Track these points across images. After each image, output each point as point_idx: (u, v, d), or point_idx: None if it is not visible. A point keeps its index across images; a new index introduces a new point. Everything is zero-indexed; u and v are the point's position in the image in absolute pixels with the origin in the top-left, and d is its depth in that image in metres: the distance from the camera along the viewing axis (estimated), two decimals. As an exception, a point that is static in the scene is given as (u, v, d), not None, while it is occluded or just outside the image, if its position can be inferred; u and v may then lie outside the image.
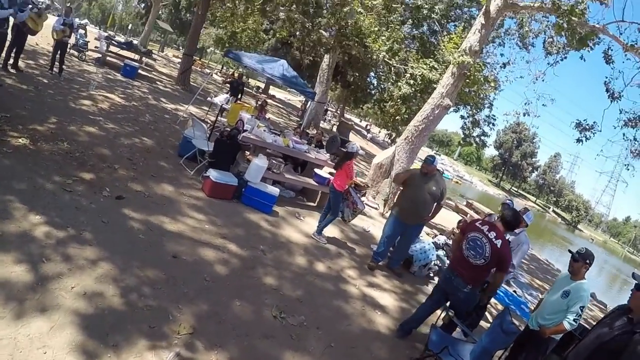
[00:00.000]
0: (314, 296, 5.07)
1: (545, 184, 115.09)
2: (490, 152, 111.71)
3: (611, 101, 12.56)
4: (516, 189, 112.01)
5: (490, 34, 16.85)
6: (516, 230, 5.46)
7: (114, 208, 5.05)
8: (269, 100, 26.97)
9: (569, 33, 10.15)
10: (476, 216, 17.84)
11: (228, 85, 17.48)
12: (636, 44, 10.51)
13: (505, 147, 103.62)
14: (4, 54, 9.40)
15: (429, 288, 7.07)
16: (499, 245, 4.42)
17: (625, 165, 13.59)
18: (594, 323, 4.44)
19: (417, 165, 11.51)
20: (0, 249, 3.54)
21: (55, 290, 3.33)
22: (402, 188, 6.82)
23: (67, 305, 3.23)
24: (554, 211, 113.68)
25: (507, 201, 7.02)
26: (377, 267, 6.81)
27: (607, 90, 12.59)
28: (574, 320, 4.26)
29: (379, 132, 45.90)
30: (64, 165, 5.68)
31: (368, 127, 53.64)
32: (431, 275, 7.77)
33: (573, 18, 9.33)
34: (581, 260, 4.41)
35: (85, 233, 4.25)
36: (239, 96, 16.76)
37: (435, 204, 6.65)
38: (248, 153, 8.47)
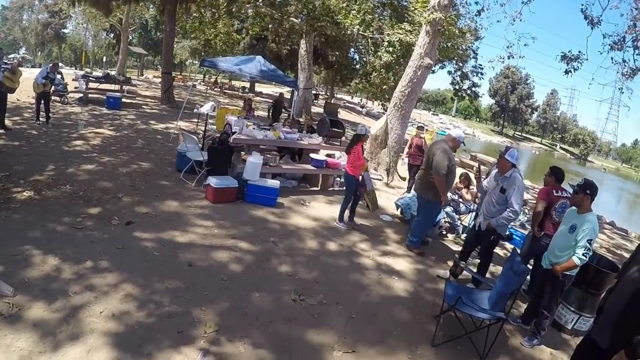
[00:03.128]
0: (330, 274, 5.30)
1: (548, 123, 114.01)
2: (487, 101, 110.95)
3: (592, 28, 12.55)
4: (520, 134, 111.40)
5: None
6: (506, 174, 5.51)
7: (125, 234, 5.30)
8: (255, 98, 27.03)
9: None
10: (483, 168, 17.91)
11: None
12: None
13: (500, 94, 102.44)
14: None
15: (444, 243, 7.38)
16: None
17: (619, 89, 13.52)
18: (619, 254, 4.35)
19: (412, 130, 11.68)
20: (29, 293, 3.78)
21: (86, 318, 3.59)
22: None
23: (99, 329, 3.49)
24: (561, 148, 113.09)
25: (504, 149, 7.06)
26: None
27: (585, 18, 12.53)
28: (583, 254, 4.34)
29: (373, 104, 45.78)
30: (71, 206, 5.92)
31: (362, 104, 53.61)
32: (444, 232, 7.99)
33: None
34: (581, 192, 4.49)
35: (102, 262, 4.50)
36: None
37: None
38: (243, 153, 8.68)
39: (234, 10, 21.29)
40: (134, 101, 18.24)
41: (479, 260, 6.19)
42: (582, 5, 12.55)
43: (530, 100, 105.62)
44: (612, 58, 12.84)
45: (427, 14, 10.59)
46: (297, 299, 4.52)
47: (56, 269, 4.26)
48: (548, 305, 4.78)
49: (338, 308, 4.54)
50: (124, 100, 16.79)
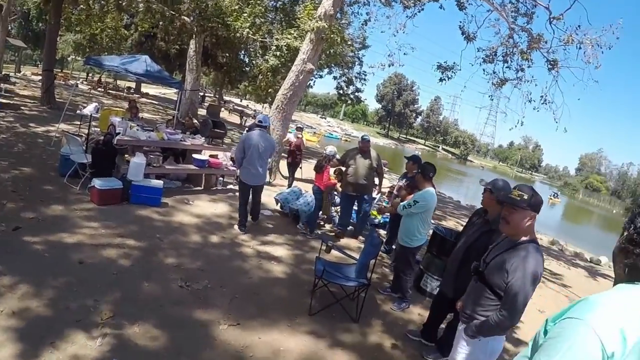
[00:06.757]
0: (213, 263, 5.84)
1: (431, 126, 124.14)
2: (374, 105, 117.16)
3: (467, 42, 13.90)
4: (404, 136, 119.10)
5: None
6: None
7: (14, 239, 5.35)
8: (141, 99, 26.28)
9: None
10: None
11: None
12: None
13: (387, 99, 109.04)
14: None
15: (317, 232, 8.22)
16: None
17: (489, 96, 15.07)
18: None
19: (292, 131, 12.37)
20: None
21: (-14, 319, 3.76)
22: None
23: (1, 326, 3.66)
24: (443, 149, 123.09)
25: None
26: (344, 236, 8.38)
27: (462, 33, 13.88)
28: (402, 207, 5.56)
29: (263, 107, 46.09)
30: (-47, 213, 5.82)
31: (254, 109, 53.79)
32: (322, 223, 8.82)
33: None
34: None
35: (-6, 267, 4.61)
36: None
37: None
38: (127, 155, 8.81)
39: (124, 4, 20.44)
40: (11, 102, 17.17)
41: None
42: (461, 22, 13.82)
43: (415, 106, 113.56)
44: (484, 70, 14.32)
45: (312, 22, 11.17)
46: (183, 285, 4.99)
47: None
48: (403, 269, 5.82)
49: (222, 290, 5.10)
50: (0, 100, 15.79)
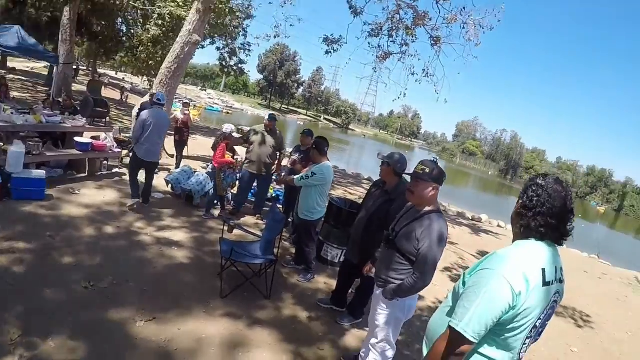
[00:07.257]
0: (114, 257, 5.52)
1: (313, 97, 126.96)
2: (255, 76, 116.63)
3: (354, 16, 14.14)
4: (286, 107, 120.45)
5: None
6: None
7: None
8: (9, 76, 23.62)
9: None
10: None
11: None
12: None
13: (269, 70, 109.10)
14: None
15: (214, 213, 8.14)
16: None
17: (373, 68, 15.60)
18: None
19: (176, 107, 11.89)
20: None
21: None
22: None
23: None
24: (325, 118, 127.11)
25: None
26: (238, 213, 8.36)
27: (350, 7, 14.12)
28: (300, 178, 5.76)
29: (142, 80, 43.48)
30: None
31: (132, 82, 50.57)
32: (216, 202, 8.65)
33: None
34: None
35: None
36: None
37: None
38: (1, 144, 7.91)
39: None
40: None
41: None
42: (349, -4, 13.99)
43: (297, 76, 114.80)
44: (369, 43, 14.76)
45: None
46: (88, 286, 4.66)
47: None
48: (306, 242, 6.08)
49: (129, 285, 4.88)
50: None
